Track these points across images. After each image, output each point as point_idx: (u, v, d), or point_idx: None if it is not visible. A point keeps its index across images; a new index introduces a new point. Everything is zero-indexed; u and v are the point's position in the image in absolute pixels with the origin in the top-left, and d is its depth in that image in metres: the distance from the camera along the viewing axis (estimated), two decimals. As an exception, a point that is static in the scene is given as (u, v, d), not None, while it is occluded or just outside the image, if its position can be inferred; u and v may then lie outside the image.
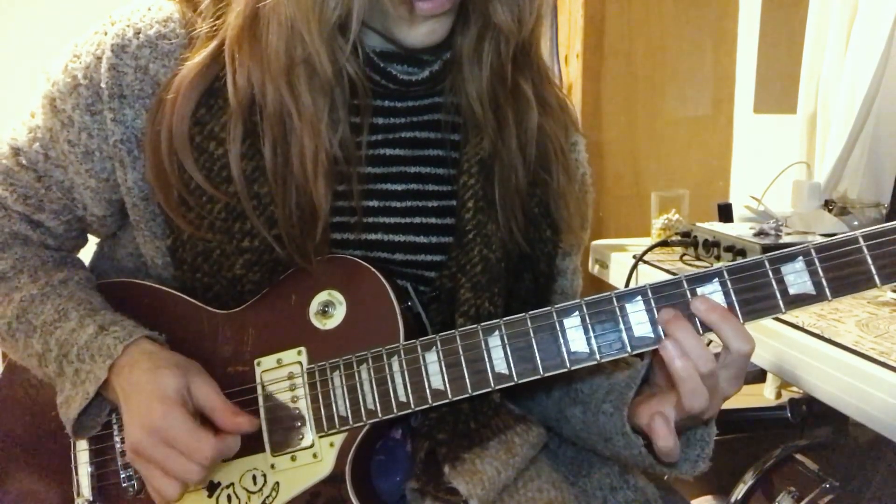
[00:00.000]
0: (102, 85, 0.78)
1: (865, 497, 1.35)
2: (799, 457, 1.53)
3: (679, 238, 1.56)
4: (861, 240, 0.65)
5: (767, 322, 1.12)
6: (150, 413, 0.71)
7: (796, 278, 0.66)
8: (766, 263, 0.67)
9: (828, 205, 1.68)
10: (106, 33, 0.79)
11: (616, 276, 1.68)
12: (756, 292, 0.67)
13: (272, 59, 0.74)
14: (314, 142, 0.75)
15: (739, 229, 1.46)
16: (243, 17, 0.75)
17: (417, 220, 0.83)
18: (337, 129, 0.77)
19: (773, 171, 1.87)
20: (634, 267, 1.50)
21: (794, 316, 1.12)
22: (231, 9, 0.76)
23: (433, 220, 0.83)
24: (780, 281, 0.66)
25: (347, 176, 0.78)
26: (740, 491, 1.58)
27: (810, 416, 1.70)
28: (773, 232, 1.37)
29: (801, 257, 0.66)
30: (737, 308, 0.67)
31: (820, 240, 0.67)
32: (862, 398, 0.92)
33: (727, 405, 2.04)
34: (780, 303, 0.66)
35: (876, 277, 0.64)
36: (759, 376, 2.02)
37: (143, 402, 0.72)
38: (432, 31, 0.75)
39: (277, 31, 0.73)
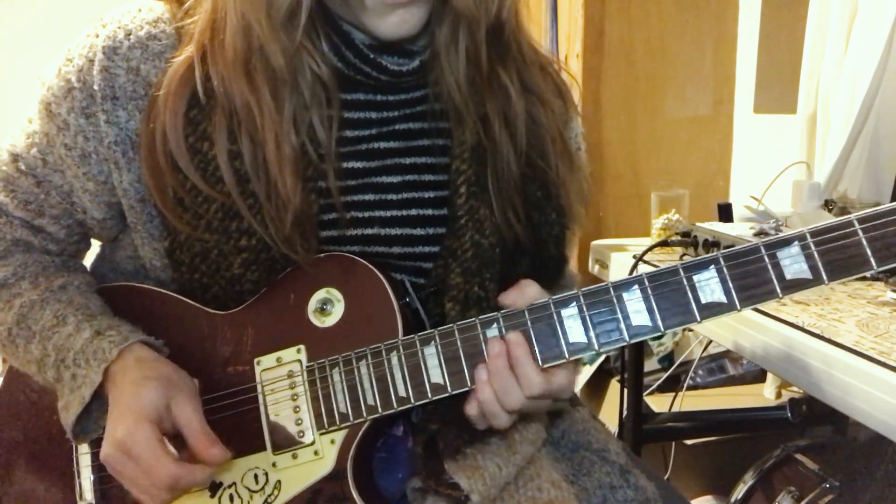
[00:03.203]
0: (95, 87, 0.78)
1: (865, 497, 1.35)
2: (799, 457, 1.53)
3: (679, 238, 1.55)
4: (856, 223, 0.65)
5: (767, 321, 1.12)
6: (120, 426, 0.71)
7: (792, 262, 0.66)
8: (762, 249, 0.67)
9: (828, 205, 1.68)
10: (97, 36, 0.80)
11: (616, 276, 1.68)
12: (752, 278, 0.67)
13: (229, 53, 0.75)
14: (276, 134, 0.75)
15: (739, 229, 1.46)
16: (207, 14, 0.76)
17: (414, 211, 0.83)
18: (304, 121, 0.77)
19: (773, 171, 1.87)
20: (634, 267, 1.50)
21: (794, 316, 1.12)
22: (202, 6, 0.77)
23: (430, 212, 0.83)
24: (777, 266, 0.66)
25: (325, 171, 0.78)
26: (740, 491, 1.58)
27: (810, 416, 1.70)
28: (773, 232, 1.37)
29: (796, 242, 0.66)
30: (733, 294, 0.67)
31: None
32: (862, 398, 0.92)
33: (727, 405, 2.04)
34: (777, 287, 0.66)
35: (871, 260, 0.64)
36: (759, 376, 2.02)
37: (120, 414, 0.72)
38: (403, 20, 0.75)
39: (232, 25, 0.74)
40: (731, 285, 0.67)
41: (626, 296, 0.69)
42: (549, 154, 0.86)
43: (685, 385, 1.99)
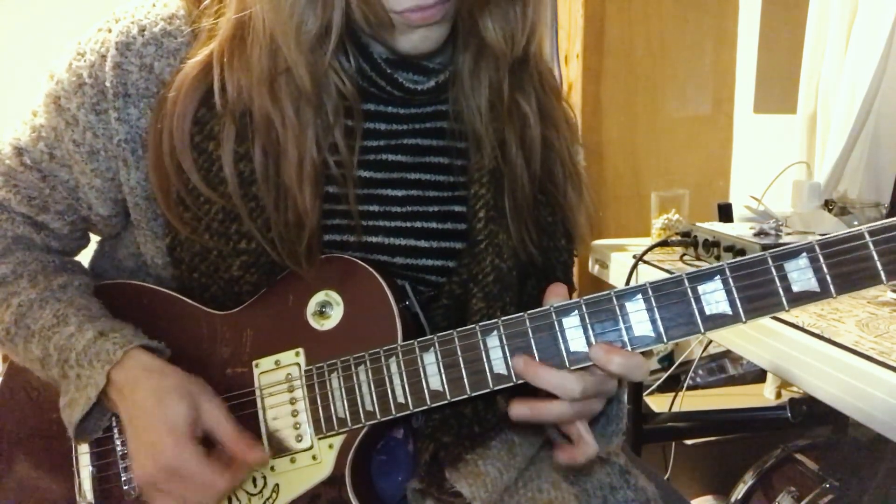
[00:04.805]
0: (107, 84, 0.78)
1: (865, 497, 1.35)
2: (799, 457, 1.54)
3: (679, 238, 1.55)
4: (867, 235, 0.63)
5: (767, 322, 1.12)
6: (161, 447, 0.71)
7: (800, 275, 0.64)
8: (769, 260, 0.65)
9: (828, 205, 1.68)
10: (110, 31, 0.79)
11: (616, 276, 1.68)
12: (759, 290, 0.65)
13: (255, 69, 0.74)
14: (298, 151, 0.74)
15: (739, 229, 1.46)
16: (231, 24, 0.75)
17: (419, 224, 0.82)
18: (327, 137, 0.76)
19: (773, 171, 1.87)
20: (634, 267, 1.50)
21: (794, 316, 1.12)
22: (226, 12, 0.76)
23: (434, 225, 0.83)
24: (784, 278, 0.65)
25: (342, 180, 0.78)
26: (740, 491, 1.58)
27: (810, 416, 1.70)
28: (773, 232, 1.37)
29: (804, 254, 0.64)
30: (739, 306, 0.66)
31: (819, 238, 0.65)
32: (862, 398, 0.92)
33: (727, 405, 2.04)
34: (784, 300, 0.65)
35: (882, 274, 0.62)
36: (759, 376, 2.02)
37: (153, 434, 0.72)
38: (425, 37, 0.75)
39: (259, 43, 0.73)
40: (736, 297, 0.66)
41: (628, 305, 0.68)
42: (560, 178, 0.86)
43: (685, 385, 1.99)
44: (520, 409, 0.70)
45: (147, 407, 0.73)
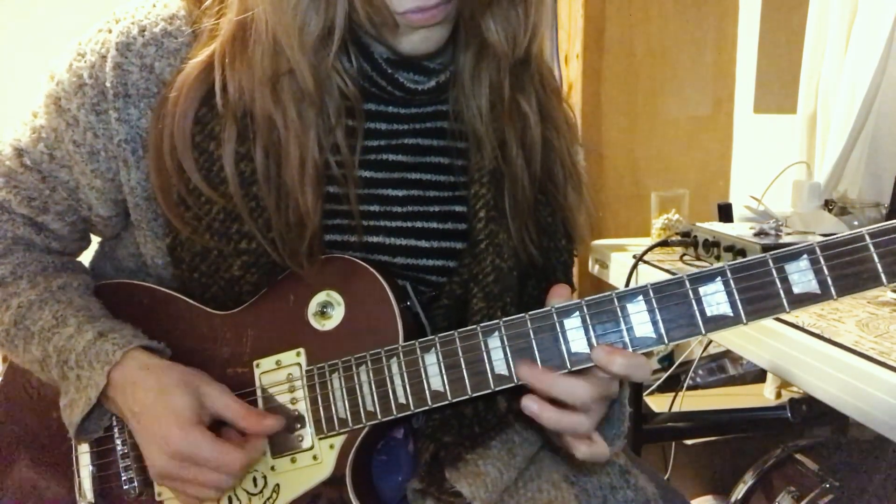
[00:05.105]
0: (107, 84, 0.78)
1: (865, 497, 1.35)
2: (799, 457, 1.53)
3: (679, 238, 1.55)
4: (867, 237, 0.63)
5: (767, 322, 1.12)
6: (169, 437, 0.72)
7: (801, 277, 0.65)
8: (770, 262, 0.65)
9: (828, 205, 1.68)
10: (111, 31, 0.79)
11: (616, 276, 1.68)
12: (760, 291, 0.65)
13: (257, 70, 0.74)
14: (300, 151, 0.74)
15: (739, 229, 1.46)
16: (233, 25, 0.75)
17: (419, 224, 0.82)
18: (329, 137, 0.77)
19: (773, 171, 1.87)
20: (634, 267, 1.50)
21: (795, 316, 1.12)
22: (227, 13, 0.76)
23: (435, 225, 0.83)
24: (785, 280, 0.65)
25: (343, 180, 0.78)
26: (740, 491, 1.58)
27: (810, 416, 1.70)
28: (773, 232, 1.37)
29: (805, 255, 0.65)
30: (740, 307, 0.66)
31: (820, 240, 0.65)
32: (862, 398, 0.92)
33: (727, 405, 2.04)
34: (785, 302, 0.65)
35: (882, 276, 0.63)
36: (759, 376, 2.02)
37: (160, 427, 0.73)
38: (426, 38, 0.75)
39: (261, 44, 0.73)
40: (737, 298, 0.66)
41: (630, 306, 0.68)
42: (560, 178, 0.86)
43: (685, 385, 1.99)
44: (530, 405, 0.69)
45: (151, 402, 0.73)
